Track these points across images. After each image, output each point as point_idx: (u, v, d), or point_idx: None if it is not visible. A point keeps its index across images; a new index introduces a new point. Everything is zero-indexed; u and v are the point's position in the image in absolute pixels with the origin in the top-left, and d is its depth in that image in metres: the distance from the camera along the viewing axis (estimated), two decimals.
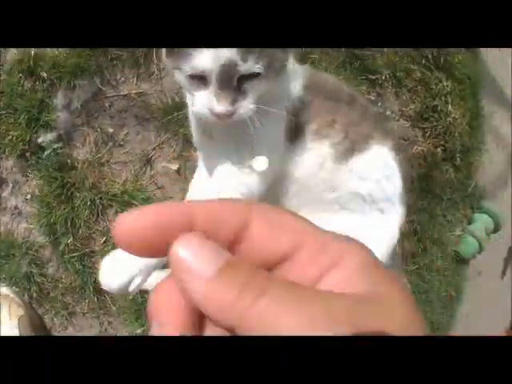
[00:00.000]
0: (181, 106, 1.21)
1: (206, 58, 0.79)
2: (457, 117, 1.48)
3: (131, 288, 0.93)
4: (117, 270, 0.92)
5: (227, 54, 0.79)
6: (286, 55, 0.92)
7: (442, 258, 1.54)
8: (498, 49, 1.78)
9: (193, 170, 1.25)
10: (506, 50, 1.83)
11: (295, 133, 1.11)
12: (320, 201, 1.14)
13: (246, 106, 0.85)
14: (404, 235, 1.45)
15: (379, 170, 1.13)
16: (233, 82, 0.81)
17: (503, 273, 1.91)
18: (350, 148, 1.10)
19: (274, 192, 1.18)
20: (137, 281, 0.92)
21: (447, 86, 1.47)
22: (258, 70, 0.82)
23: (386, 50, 1.40)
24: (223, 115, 0.84)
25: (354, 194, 1.13)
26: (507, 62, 1.81)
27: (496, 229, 1.65)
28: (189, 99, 1.10)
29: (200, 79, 0.83)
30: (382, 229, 1.15)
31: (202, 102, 0.84)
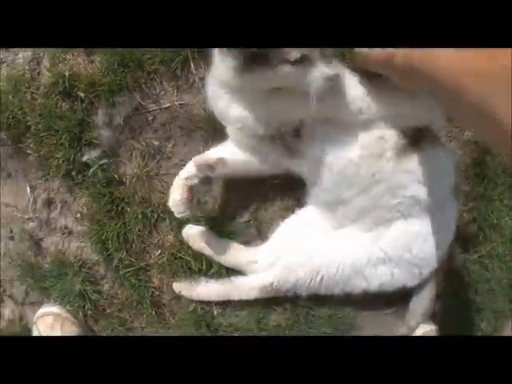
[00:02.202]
0: None
1: None
2: None
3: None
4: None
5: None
6: None
7: (503, 243, 1.47)
8: None
9: None
10: None
11: None
12: (383, 208, 1.09)
13: None
14: (465, 224, 1.40)
15: (434, 169, 1.07)
16: None
17: None
18: (406, 143, 1.06)
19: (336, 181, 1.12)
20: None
21: None
22: None
23: None
24: None
25: (414, 200, 1.08)
26: None
27: None
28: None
29: None
30: (439, 230, 1.11)
31: None
